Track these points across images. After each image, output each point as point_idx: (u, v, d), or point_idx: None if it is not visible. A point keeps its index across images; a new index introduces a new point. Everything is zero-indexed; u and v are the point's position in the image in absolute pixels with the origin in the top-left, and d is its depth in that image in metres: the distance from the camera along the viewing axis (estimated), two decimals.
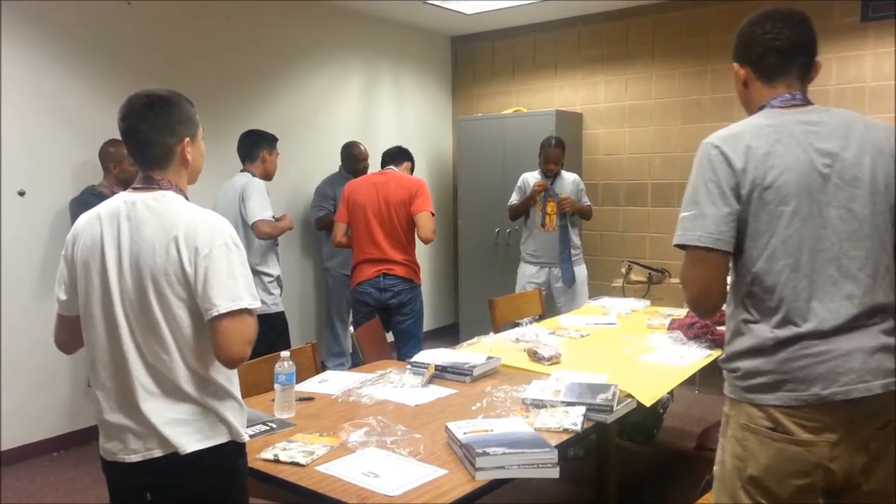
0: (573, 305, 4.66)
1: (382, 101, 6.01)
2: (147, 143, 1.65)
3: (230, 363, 1.60)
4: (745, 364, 1.55)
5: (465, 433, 1.90)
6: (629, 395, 2.35)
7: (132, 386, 1.60)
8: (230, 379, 1.68)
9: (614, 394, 2.23)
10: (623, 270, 5.43)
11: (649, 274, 5.34)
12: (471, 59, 6.56)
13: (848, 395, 1.47)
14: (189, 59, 4.53)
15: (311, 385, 2.57)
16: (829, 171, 1.51)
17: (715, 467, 1.66)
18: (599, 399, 2.18)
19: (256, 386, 2.50)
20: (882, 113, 4.57)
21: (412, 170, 4.12)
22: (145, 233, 1.61)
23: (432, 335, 6.11)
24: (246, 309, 1.58)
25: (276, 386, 2.22)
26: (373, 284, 3.82)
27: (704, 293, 1.56)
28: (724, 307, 1.64)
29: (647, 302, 4.06)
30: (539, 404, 2.19)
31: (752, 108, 1.67)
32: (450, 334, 6.40)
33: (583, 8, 5.61)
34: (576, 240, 4.85)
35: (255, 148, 3.97)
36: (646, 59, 5.55)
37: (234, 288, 1.58)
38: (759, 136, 1.53)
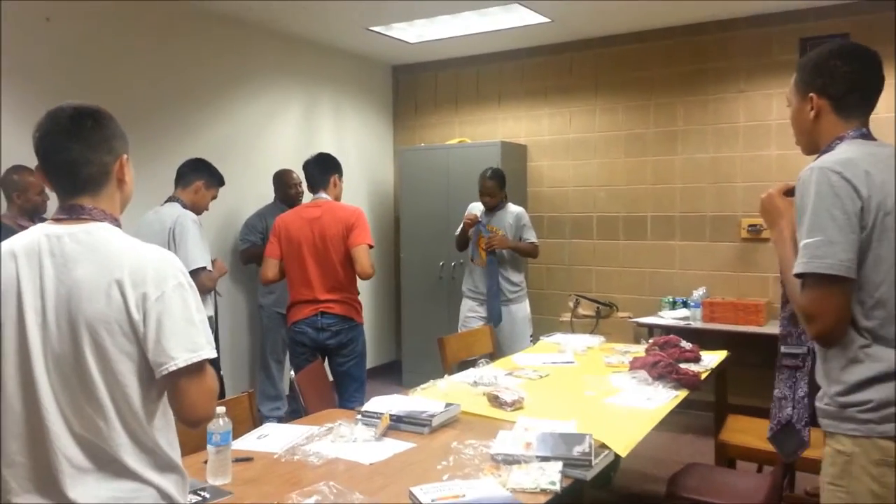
0: (514, 344, 4.47)
1: (322, 129, 5.77)
2: (78, 163, 1.39)
3: (195, 424, 1.40)
4: (876, 394, 1.50)
5: (433, 500, 1.66)
6: (603, 445, 2.16)
7: (54, 460, 1.32)
8: (172, 445, 1.43)
9: (591, 445, 2.03)
10: (571, 305, 5.32)
11: (597, 308, 5.25)
12: (413, 89, 6.41)
13: None
14: (114, 82, 4.18)
15: (248, 442, 2.27)
16: None
17: None
18: (576, 452, 1.98)
19: (183, 445, 2.18)
20: None
21: (341, 177, 3.72)
22: (77, 273, 1.34)
23: (373, 373, 5.80)
24: (206, 360, 1.36)
25: (210, 447, 1.92)
26: (310, 324, 3.52)
27: (838, 324, 1.51)
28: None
29: (602, 338, 3.92)
30: (510, 460, 1.97)
31: (818, 139, 1.68)
32: (392, 372, 6.12)
33: (526, 41, 5.56)
34: (514, 277, 4.62)
35: (195, 173, 3.62)
36: (589, 92, 5.53)
37: (193, 336, 1.35)
38: (871, 163, 1.54)
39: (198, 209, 3.63)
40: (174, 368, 1.32)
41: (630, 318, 5.12)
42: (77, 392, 1.33)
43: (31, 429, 1.34)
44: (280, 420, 4.73)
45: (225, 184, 3.90)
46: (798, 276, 1.52)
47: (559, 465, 1.92)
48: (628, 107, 5.35)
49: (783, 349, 1.77)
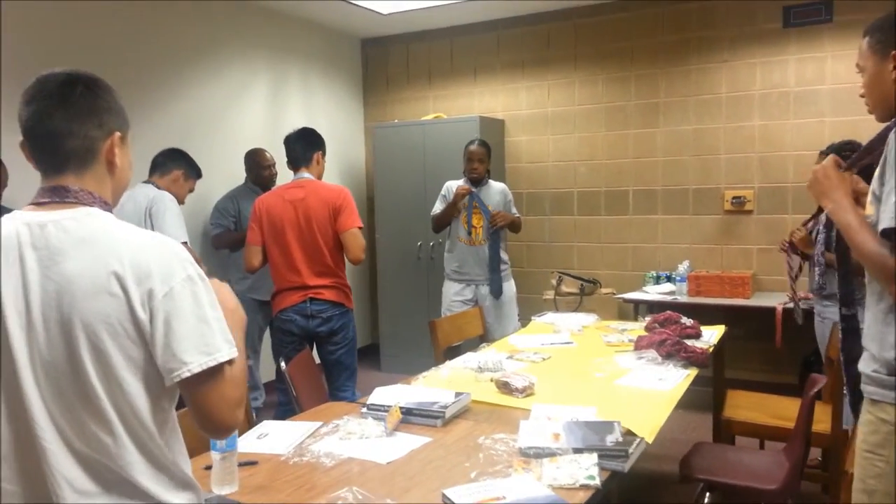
0: (503, 325, 4.35)
1: (290, 105, 5.51)
2: (59, 133, 1.19)
3: (216, 435, 1.24)
4: None
5: None
6: (629, 432, 2.05)
7: (53, 485, 1.13)
8: (184, 458, 1.26)
9: (622, 434, 1.92)
10: (553, 282, 5.23)
11: (581, 285, 5.17)
12: (383, 63, 6.17)
13: None
14: (66, 54, 3.86)
15: (248, 442, 2.08)
16: None
17: (871, 481, 1.51)
18: (609, 442, 1.86)
19: None
20: (806, 118, 4.60)
21: (324, 155, 3.54)
22: (68, 267, 1.14)
23: None
24: (227, 362, 1.18)
25: (214, 454, 1.74)
26: (298, 311, 3.33)
27: None
28: None
29: (596, 316, 3.82)
30: (542, 453, 1.84)
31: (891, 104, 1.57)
32: (369, 356, 5.95)
33: (502, 11, 5.38)
34: (503, 255, 4.52)
35: (173, 162, 3.39)
36: (568, 64, 5.39)
37: (208, 336, 1.17)
38: None
39: (177, 199, 3.42)
40: (187, 375, 1.14)
41: (614, 294, 5.05)
42: (75, 405, 1.14)
43: (23, 450, 1.15)
44: (258, 411, 4.54)
45: (202, 176, 3.67)
46: (886, 233, 1.44)
47: (594, 457, 1.79)
48: (609, 78, 5.23)
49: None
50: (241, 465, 1.87)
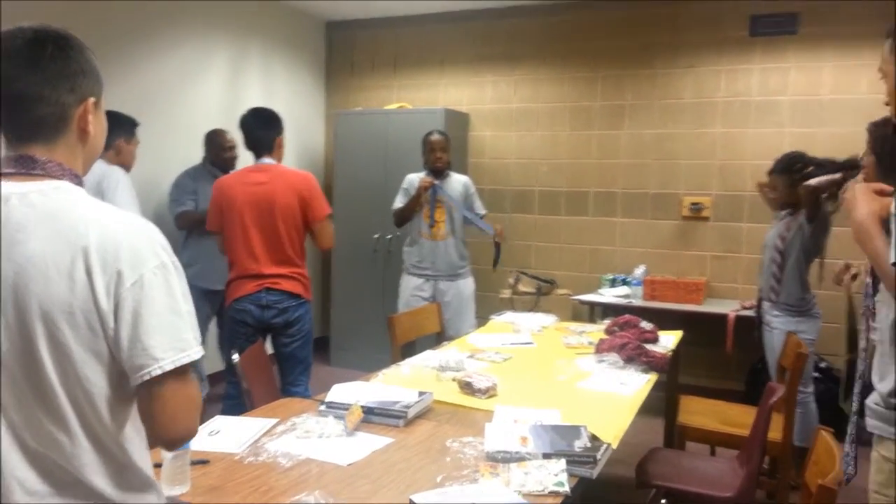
0: (460, 322, 4.29)
1: (250, 87, 5.32)
2: (27, 98, 1.08)
3: (173, 443, 1.11)
4: None
5: None
6: (594, 437, 2.02)
7: (2, 484, 1.04)
8: (144, 457, 1.16)
9: (589, 439, 1.89)
10: (511, 281, 5.20)
11: (538, 285, 5.15)
12: (349, 49, 6.03)
13: None
14: (14, 21, 3.62)
15: (200, 439, 1.96)
16: None
17: None
18: (577, 447, 1.83)
19: None
20: (766, 127, 4.68)
21: (283, 137, 3.35)
22: (31, 246, 1.03)
23: None
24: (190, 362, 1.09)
25: (164, 452, 1.63)
26: (253, 301, 3.20)
27: None
28: None
29: (556, 317, 3.80)
30: (509, 458, 1.79)
31: None
32: (319, 349, 5.80)
33: (472, 3, 5.31)
34: (463, 250, 4.45)
35: (108, 135, 3.19)
36: (535, 61, 5.36)
37: (180, 330, 1.07)
38: None
39: (127, 168, 3.24)
40: (159, 373, 1.04)
41: (570, 295, 5.05)
42: (30, 400, 1.04)
43: None
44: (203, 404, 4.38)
45: (139, 123, 3.48)
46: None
47: (562, 463, 1.75)
48: (575, 78, 5.22)
49: None
50: (192, 463, 1.76)
